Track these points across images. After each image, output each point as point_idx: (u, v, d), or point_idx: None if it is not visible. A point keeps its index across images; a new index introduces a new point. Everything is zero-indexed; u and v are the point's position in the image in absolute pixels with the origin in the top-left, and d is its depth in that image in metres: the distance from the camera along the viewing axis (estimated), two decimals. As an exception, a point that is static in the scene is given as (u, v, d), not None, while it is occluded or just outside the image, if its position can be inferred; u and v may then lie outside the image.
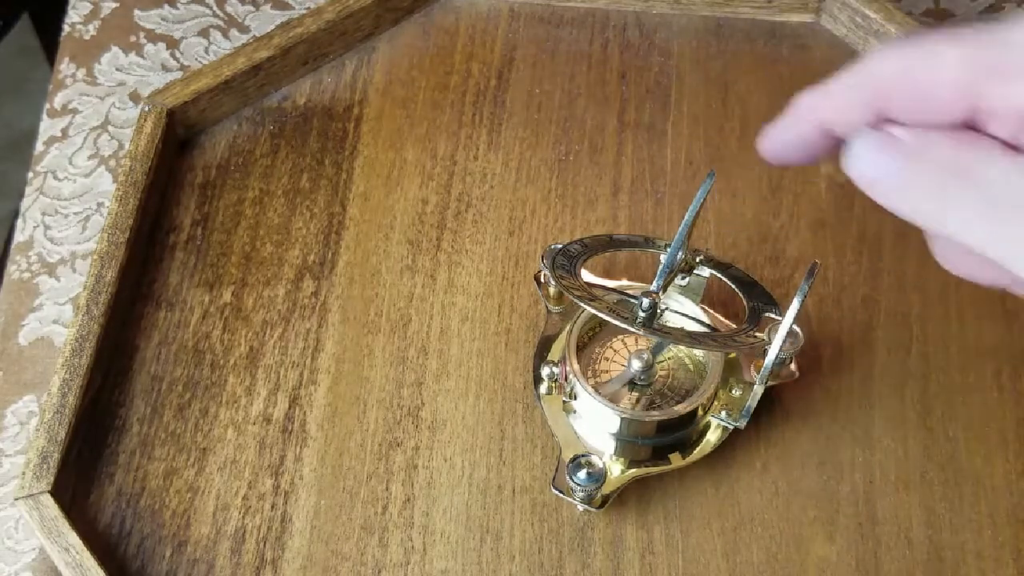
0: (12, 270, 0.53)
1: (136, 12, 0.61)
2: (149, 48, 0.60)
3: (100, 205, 0.55)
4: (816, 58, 0.57)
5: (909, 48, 0.35)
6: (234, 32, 0.60)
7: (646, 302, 0.42)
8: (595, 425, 0.45)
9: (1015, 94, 0.33)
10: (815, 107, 0.38)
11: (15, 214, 0.55)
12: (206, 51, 0.59)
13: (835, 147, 0.39)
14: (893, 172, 0.33)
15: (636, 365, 0.45)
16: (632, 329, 0.41)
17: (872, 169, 0.34)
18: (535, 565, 0.44)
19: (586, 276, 0.47)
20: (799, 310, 0.41)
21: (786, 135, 0.39)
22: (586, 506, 0.43)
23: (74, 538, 0.43)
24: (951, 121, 0.34)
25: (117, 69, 0.59)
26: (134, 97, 0.58)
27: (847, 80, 0.38)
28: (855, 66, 0.36)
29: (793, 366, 0.46)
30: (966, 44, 0.34)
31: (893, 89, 0.36)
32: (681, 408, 0.44)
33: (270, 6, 0.61)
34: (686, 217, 0.45)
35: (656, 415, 0.44)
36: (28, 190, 0.55)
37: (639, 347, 0.46)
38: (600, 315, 0.41)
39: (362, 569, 0.44)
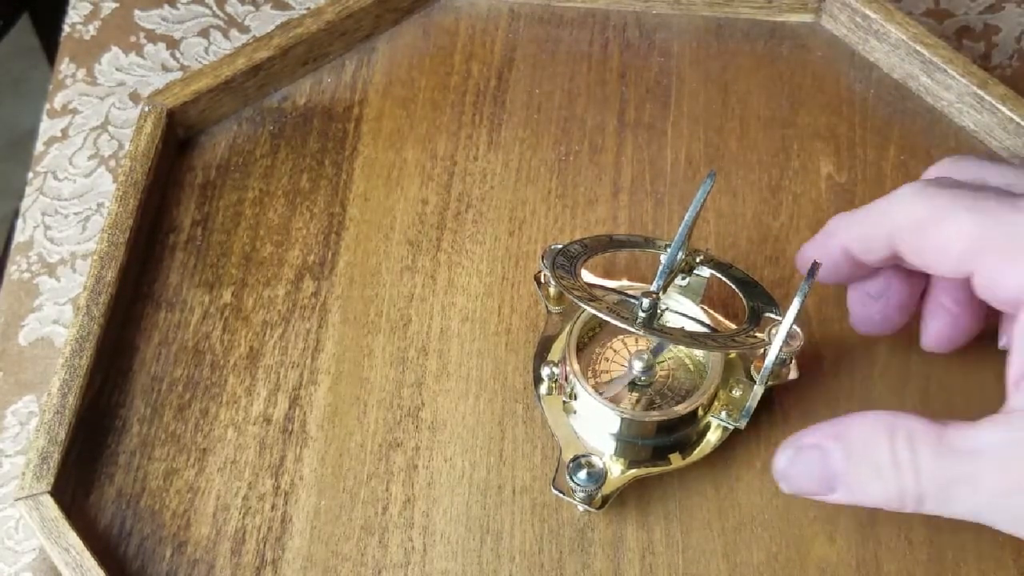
0: (12, 270, 0.53)
1: (136, 12, 0.61)
2: (149, 48, 0.60)
3: (100, 205, 0.55)
4: (816, 58, 0.57)
5: (931, 200, 0.39)
6: (234, 32, 0.60)
7: (646, 302, 0.42)
8: (595, 425, 0.45)
9: (1003, 277, 0.38)
10: (842, 230, 0.41)
11: (15, 214, 0.55)
12: (206, 51, 0.59)
13: (859, 271, 0.42)
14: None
15: (636, 365, 0.45)
16: (632, 329, 0.41)
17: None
18: (535, 565, 0.44)
19: (586, 276, 0.47)
20: (799, 310, 0.41)
21: (816, 252, 0.42)
22: (586, 506, 0.43)
23: (74, 538, 0.43)
24: (951, 276, 0.39)
25: (117, 69, 0.59)
26: (134, 97, 0.58)
27: (872, 213, 0.41)
28: (883, 200, 0.41)
29: (793, 366, 0.46)
30: (979, 218, 0.37)
31: (907, 236, 0.40)
32: (681, 408, 0.44)
33: (270, 6, 0.61)
34: (686, 217, 0.45)
35: (656, 415, 0.44)
36: (28, 190, 0.55)
37: (639, 347, 0.46)
38: (600, 315, 0.41)
39: (362, 570, 0.44)
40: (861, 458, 0.38)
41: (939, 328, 0.45)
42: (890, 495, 0.38)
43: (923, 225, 0.39)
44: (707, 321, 0.47)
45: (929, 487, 0.37)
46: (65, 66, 0.59)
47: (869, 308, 0.45)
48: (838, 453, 0.39)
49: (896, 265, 0.43)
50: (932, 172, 0.43)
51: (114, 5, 0.61)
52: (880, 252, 0.42)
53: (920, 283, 0.44)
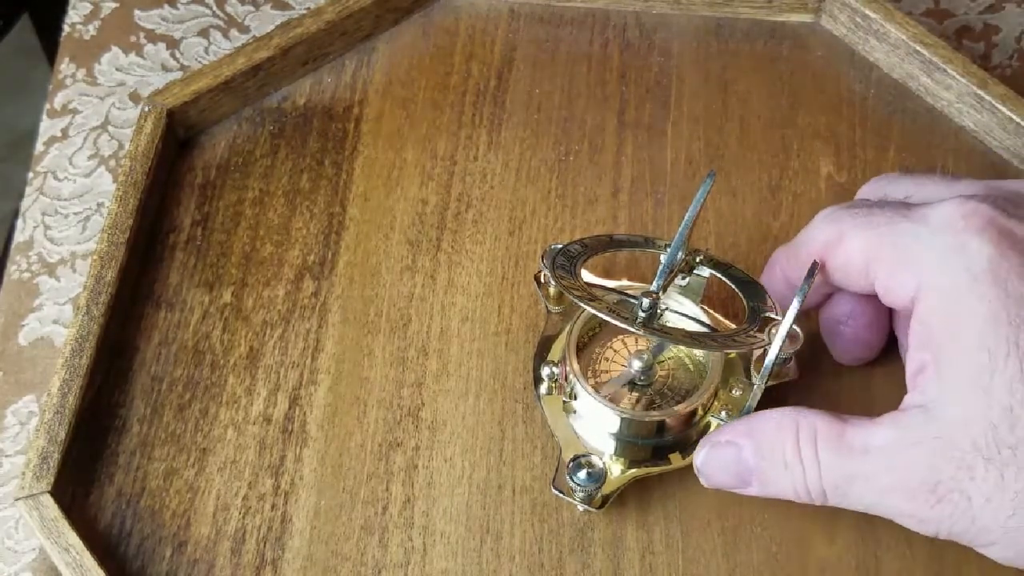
0: (12, 270, 0.53)
1: (136, 12, 0.61)
2: (149, 48, 0.60)
3: (100, 205, 0.55)
4: (816, 58, 0.57)
5: (835, 224, 0.42)
6: (234, 32, 0.60)
7: (646, 302, 0.42)
8: (595, 425, 0.45)
9: (895, 283, 0.40)
10: (779, 261, 0.48)
11: (15, 214, 0.55)
12: (206, 51, 0.59)
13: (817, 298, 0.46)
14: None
15: (636, 365, 0.45)
16: (632, 329, 0.41)
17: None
18: (535, 565, 0.44)
19: (586, 276, 0.47)
20: (799, 310, 0.41)
21: (765, 283, 0.47)
22: (586, 506, 0.43)
23: (74, 538, 0.43)
24: (864, 291, 0.43)
25: (117, 69, 0.59)
26: (134, 97, 0.58)
27: (797, 241, 0.45)
28: (805, 228, 0.44)
29: (793, 366, 0.46)
30: (869, 234, 0.41)
31: (823, 258, 0.43)
32: (681, 408, 0.44)
33: (270, 6, 0.61)
34: (686, 217, 0.45)
35: (656, 415, 0.44)
36: (28, 190, 0.55)
37: (639, 347, 0.46)
38: (600, 315, 0.41)
39: (362, 569, 0.44)
40: (770, 454, 0.40)
41: None
42: (798, 489, 0.40)
43: (831, 248, 0.42)
44: (707, 321, 0.47)
45: (829, 483, 0.39)
46: (65, 66, 0.59)
47: (842, 334, 0.46)
48: (750, 449, 0.41)
49: None
50: (860, 193, 0.46)
51: (114, 5, 0.61)
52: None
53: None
